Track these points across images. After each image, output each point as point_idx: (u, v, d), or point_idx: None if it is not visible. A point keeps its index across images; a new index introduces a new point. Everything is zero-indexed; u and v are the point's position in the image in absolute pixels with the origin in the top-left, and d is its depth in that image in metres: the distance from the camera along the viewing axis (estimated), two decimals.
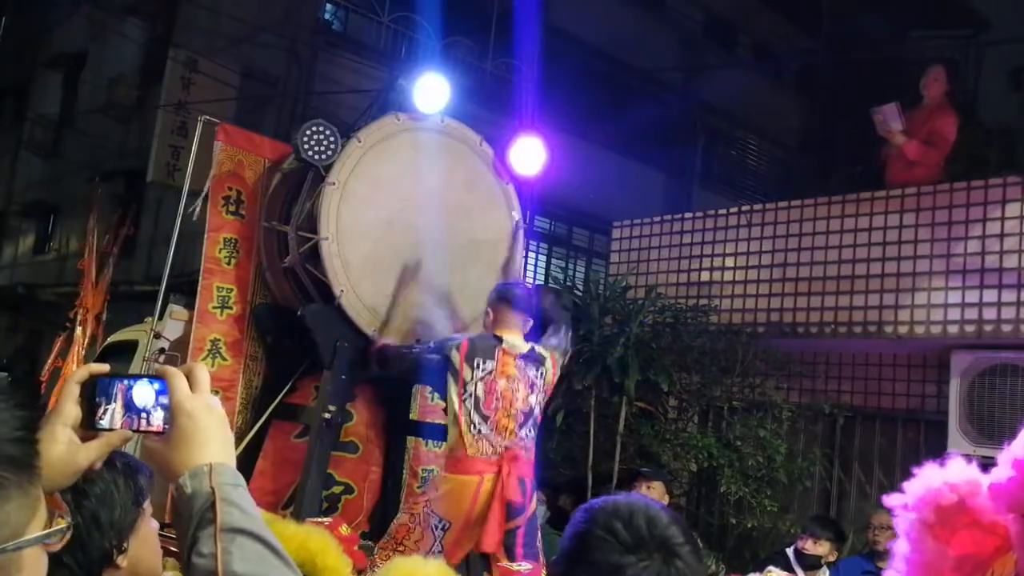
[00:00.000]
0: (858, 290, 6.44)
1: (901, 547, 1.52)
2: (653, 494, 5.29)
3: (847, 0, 11.73)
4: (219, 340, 5.04)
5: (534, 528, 4.14)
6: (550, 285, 8.55)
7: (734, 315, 7.03)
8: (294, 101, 10.35)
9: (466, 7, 9.86)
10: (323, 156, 4.65)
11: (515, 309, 4.21)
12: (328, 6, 10.99)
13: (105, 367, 1.14)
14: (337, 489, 5.04)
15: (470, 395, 4.03)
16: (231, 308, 5.11)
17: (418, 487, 5.08)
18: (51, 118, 17.57)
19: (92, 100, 14.84)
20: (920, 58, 9.33)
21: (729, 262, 7.29)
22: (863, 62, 10.56)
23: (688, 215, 7.83)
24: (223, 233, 5.12)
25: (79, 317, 9.49)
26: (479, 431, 4.01)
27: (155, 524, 1.58)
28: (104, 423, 1.11)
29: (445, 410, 4.27)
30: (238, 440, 4.90)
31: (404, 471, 5.31)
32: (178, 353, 5.08)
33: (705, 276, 7.40)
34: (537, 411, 4.20)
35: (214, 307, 5.05)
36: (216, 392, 5.01)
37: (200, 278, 5.03)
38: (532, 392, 4.16)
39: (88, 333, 9.29)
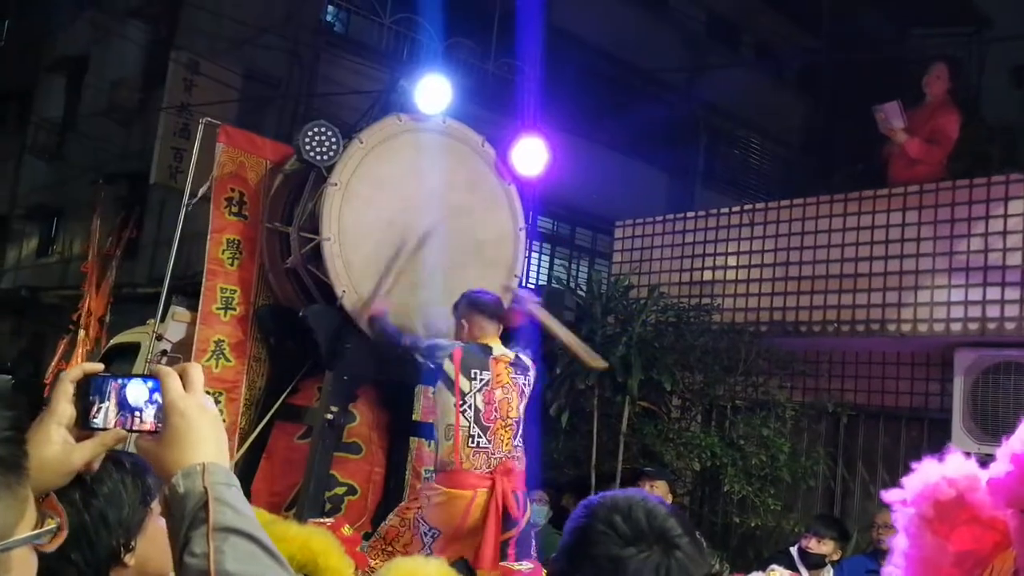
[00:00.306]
0: (861, 288, 6.42)
1: (900, 542, 1.51)
2: (657, 493, 5.26)
3: None
4: (223, 341, 5.05)
5: (527, 535, 4.13)
6: (553, 286, 8.53)
7: (737, 314, 7.02)
8: (296, 102, 10.35)
9: (468, 8, 9.85)
10: (325, 157, 4.66)
11: (489, 317, 4.20)
12: (330, 7, 10.98)
13: (99, 366, 1.14)
14: (340, 490, 5.04)
15: (469, 406, 3.99)
16: (235, 309, 5.12)
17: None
18: (54, 121, 17.59)
19: (95, 103, 14.87)
20: (922, 56, 9.31)
21: (732, 261, 7.27)
22: (865, 61, 10.55)
23: (691, 214, 7.81)
24: (226, 234, 5.13)
25: (82, 320, 9.51)
26: (477, 444, 3.97)
27: (163, 523, 1.59)
28: (98, 422, 1.11)
29: (434, 416, 4.25)
30: (241, 441, 4.91)
31: (407, 472, 5.30)
32: (180, 355, 5.09)
33: (708, 275, 7.38)
34: (523, 419, 4.19)
35: (218, 308, 5.06)
36: (220, 393, 5.03)
37: (204, 279, 5.05)
38: (521, 400, 4.15)
39: (91, 336, 9.31)
